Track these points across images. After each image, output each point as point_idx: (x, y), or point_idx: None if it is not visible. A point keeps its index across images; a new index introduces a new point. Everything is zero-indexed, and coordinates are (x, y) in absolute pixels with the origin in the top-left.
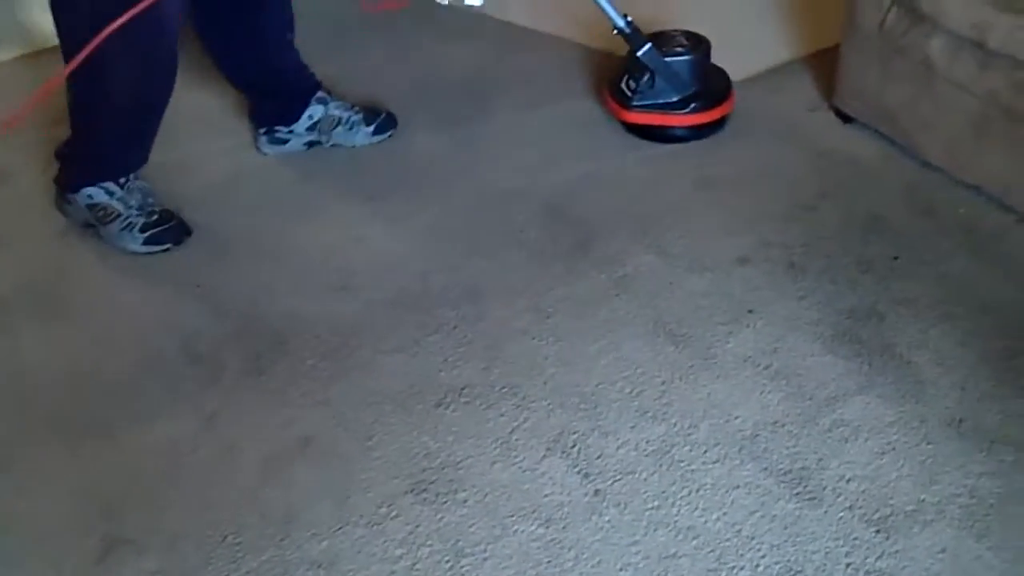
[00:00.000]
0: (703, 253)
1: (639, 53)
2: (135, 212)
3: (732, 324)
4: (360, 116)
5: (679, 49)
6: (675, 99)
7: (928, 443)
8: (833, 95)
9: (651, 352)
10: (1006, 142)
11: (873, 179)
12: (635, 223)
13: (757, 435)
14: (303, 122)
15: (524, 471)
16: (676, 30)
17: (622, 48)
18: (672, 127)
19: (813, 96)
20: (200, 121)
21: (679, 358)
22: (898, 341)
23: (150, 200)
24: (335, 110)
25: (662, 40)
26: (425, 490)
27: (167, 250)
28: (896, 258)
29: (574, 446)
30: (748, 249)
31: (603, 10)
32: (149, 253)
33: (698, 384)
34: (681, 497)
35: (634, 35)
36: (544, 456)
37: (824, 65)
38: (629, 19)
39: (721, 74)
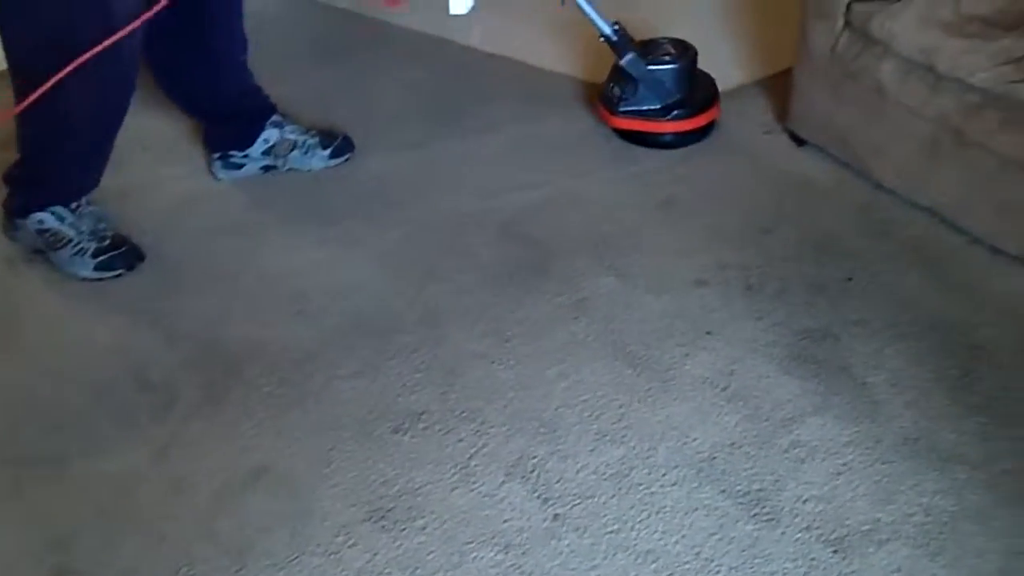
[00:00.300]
0: (661, 275)
1: (622, 61)
2: (87, 237)
3: (690, 346)
4: (316, 140)
5: (665, 58)
6: (658, 106)
7: (883, 462)
8: (787, 118)
9: (610, 375)
10: (957, 164)
11: (827, 201)
12: (594, 245)
13: (715, 457)
14: (258, 146)
15: (483, 497)
16: (664, 38)
17: (583, 70)
18: (657, 133)
19: (768, 119)
20: (153, 146)
21: (637, 381)
22: (853, 361)
23: (102, 225)
24: (290, 134)
25: (649, 48)
26: (383, 517)
27: (119, 275)
28: (850, 279)
29: (533, 471)
30: (706, 271)
31: (589, 17)
32: (100, 279)
33: (656, 406)
34: (640, 520)
35: (618, 43)
36: (503, 481)
37: (778, 88)
38: (616, 27)
39: (708, 81)
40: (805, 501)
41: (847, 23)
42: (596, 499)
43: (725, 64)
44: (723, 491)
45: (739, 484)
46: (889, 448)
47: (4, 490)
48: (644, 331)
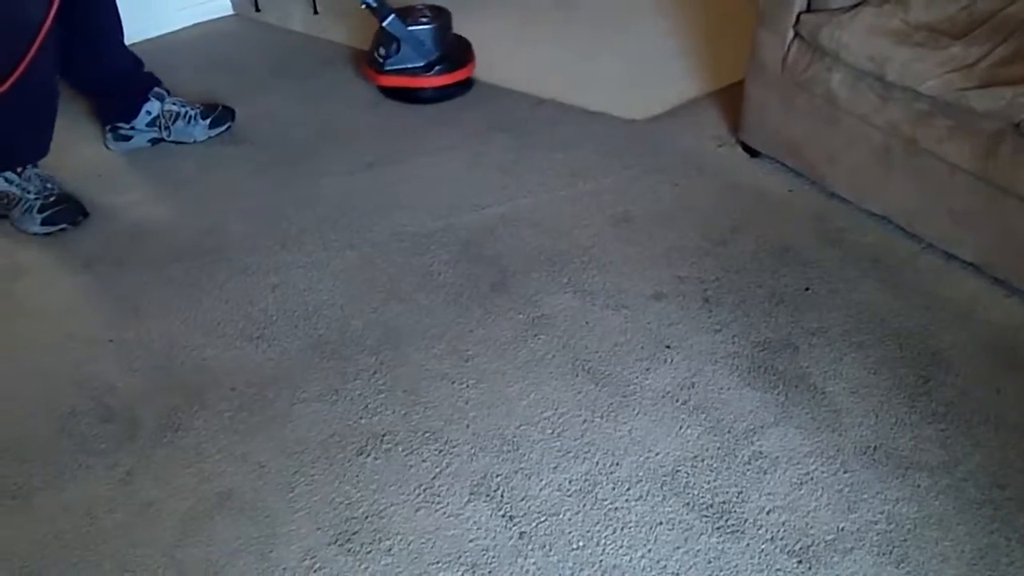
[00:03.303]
0: (619, 290)
1: (384, 23)
2: (33, 196)
3: (650, 360)
4: (198, 111)
5: (422, 20)
6: (421, 64)
7: (845, 471)
8: (740, 130)
9: (571, 391)
10: (909, 172)
11: (782, 212)
12: (551, 262)
13: (678, 470)
14: (142, 118)
15: (448, 516)
16: (422, 4)
17: (540, 89)
18: (420, 88)
19: (721, 131)
20: (107, 174)
21: (599, 396)
22: (812, 371)
23: (49, 185)
24: (172, 105)
25: (407, 12)
26: (349, 540)
27: (63, 230)
28: (807, 289)
29: (497, 489)
30: (663, 284)
31: None
32: (48, 233)
33: (618, 421)
34: (605, 536)
35: (379, 7)
36: (468, 500)
37: (731, 100)
38: None
39: (463, 42)
40: (769, 512)
41: (797, 34)
42: (561, 516)
43: (677, 78)
44: (687, 504)
45: (703, 497)
46: (850, 457)
47: None
48: (604, 347)
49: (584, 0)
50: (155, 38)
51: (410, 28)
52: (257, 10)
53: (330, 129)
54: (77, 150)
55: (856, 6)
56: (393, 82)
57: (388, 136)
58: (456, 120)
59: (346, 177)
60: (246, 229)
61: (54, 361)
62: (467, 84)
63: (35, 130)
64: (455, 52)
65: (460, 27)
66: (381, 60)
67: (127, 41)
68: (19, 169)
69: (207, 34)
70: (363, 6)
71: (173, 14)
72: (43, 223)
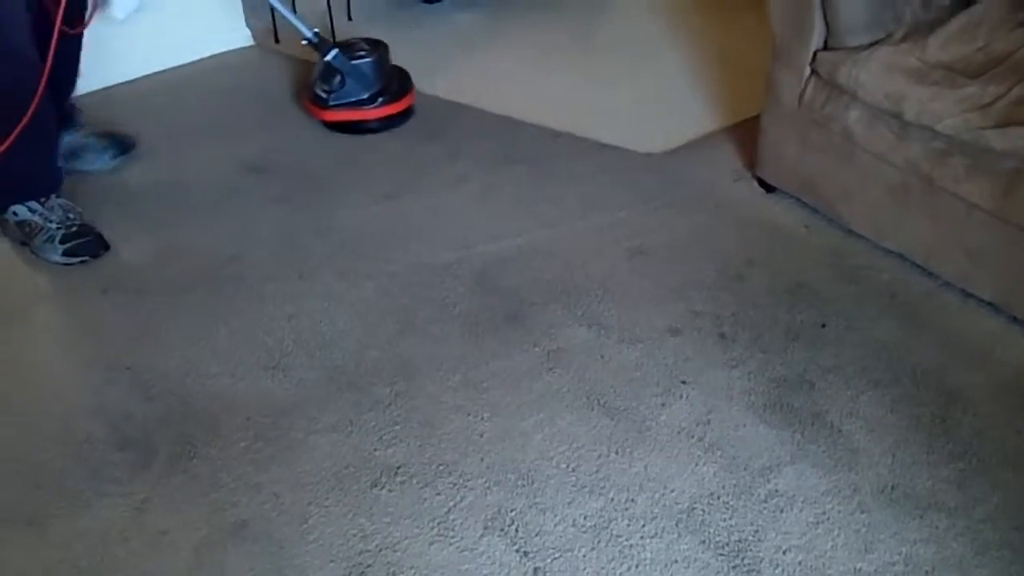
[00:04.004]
0: (635, 324)
1: (328, 58)
2: (55, 225)
3: (665, 395)
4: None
5: (361, 53)
6: (365, 96)
7: (862, 511)
8: (756, 165)
9: (586, 426)
10: (926, 210)
11: (798, 247)
12: (566, 295)
13: (694, 508)
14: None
15: (462, 551)
16: (357, 38)
17: (553, 119)
18: (366, 120)
19: (737, 166)
20: (122, 200)
21: (615, 431)
22: (829, 409)
23: (71, 215)
24: (83, 138)
25: (346, 47)
26: (363, 574)
27: (84, 262)
28: (823, 325)
29: (512, 524)
30: (679, 319)
31: (292, 24)
32: (68, 264)
33: (634, 457)
34: (620, 573)
35: (321, 43)
36: (482, 535)
37: (747, 135)
38: (316, 31)
39: (402, 72)
40: (785, 552)
41: (813, 72)
42: (575, 552)
43: (693, 112)
44: (703, 542)
45: (719, 535)
46: (867, 496)
47: None
48: (619, 381)
49: (601, 34)
50: (174, 68)
51: (353, 62)
52: (276, 41)
53: (347, 160)
54: (92, 178)
55: (873, 44)
56: (339, 116)
57: (405, 167)
58: (472, 152)
59: (363, 208)
60: (264, 258)
61: (70, 387)
62: (409, 112)
63: (46, 157)
64: (396, 82)
65: (478, 61)
66: (325, 95)
67: (156, 69)
68: (42, 199)
69: (227, 65)
70: (304, 42)
71: (192, 45)
72: (64, 254)
